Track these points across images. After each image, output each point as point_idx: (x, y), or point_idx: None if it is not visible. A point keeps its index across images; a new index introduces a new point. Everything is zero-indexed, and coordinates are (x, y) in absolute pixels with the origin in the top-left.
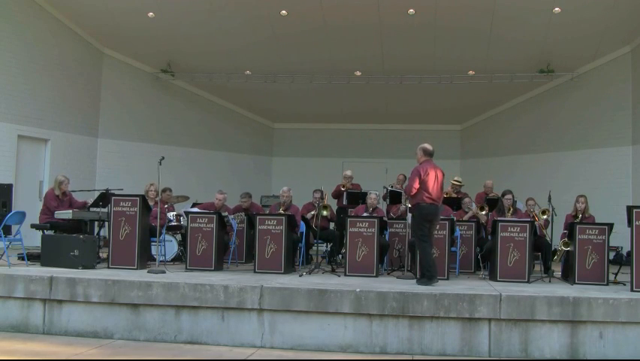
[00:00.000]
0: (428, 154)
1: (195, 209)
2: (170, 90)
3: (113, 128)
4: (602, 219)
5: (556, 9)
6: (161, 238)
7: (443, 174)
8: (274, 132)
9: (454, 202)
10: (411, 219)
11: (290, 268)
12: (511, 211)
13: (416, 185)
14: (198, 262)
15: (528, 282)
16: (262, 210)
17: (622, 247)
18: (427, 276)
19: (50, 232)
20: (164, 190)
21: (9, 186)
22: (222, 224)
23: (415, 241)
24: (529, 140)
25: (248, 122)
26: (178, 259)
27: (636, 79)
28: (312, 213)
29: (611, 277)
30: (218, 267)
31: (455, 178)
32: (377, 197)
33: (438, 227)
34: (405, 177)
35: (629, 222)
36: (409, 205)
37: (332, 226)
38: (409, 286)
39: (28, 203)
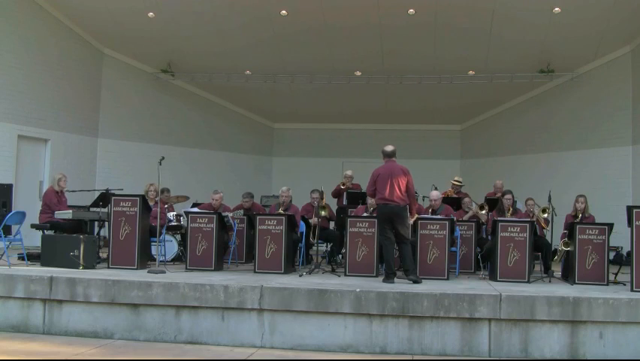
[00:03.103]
0: (386, 155)
1: (195, 209)
2: (170, 90)
3: (113, 128)
4: (602, 219)
5: (556, 9)
6: (161, 238)
7: (405, 174)
8: (274, 132)
9: (454, 202)
10: None
11: (290, 268)
12: (510, 211)
13: (369, 187)
14: (198, 262)
15: (528, 282)
16: (264, 210)
17: (622, 247)
18: (385, 274)
19: (50, 232)
20: (162, 191)
21: (9, 186)
22: (222, 224)
23: None
24: (529, 140)
25: (248, 122)
26: (178, 259)
27: (636, 79)
28: (314, 222)
29: (611, 277)
30: (218, 267)
31: (455, 178)
32: None
33: (438, 227)
34: None
35: (629, 222)
36: None
37: (332, 225)
38: (409, 286)
39: (28, 203)
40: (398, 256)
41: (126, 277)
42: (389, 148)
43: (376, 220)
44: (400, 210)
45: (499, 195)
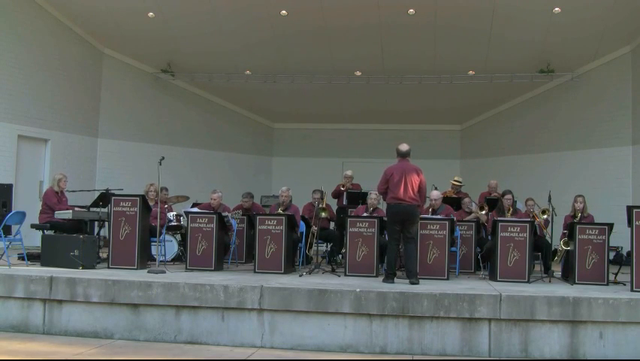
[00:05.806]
0: (400, 155)
1: (195, 209)
2: (170, 90)
3: (113, 128)
4: (602, 219)
5: (556, 9)
6: (161, 238)
7: (418, 173)
8: (274, 132)
9: (454, 202)
10: None
11: (290, 268)
12: (510, 211)
13: (380, 185)
14: (198, 262)
15: (528, 282)
16: (263, 210)
17: (622, 247)
18: (386, 274)
19: (50, 232)
20: (160, 190)
21: (9, 186)
22: (222, 224)
23: None
24: (529, 140)
25: (248, 122)
26: (178, 259)
27: (636, 79)
28: (312, 230)
29: (611, 277)
30: (218, 267)
31: (455, 178)
32: (377, 197)
33: (438, 227)
34: None
35: (629, 222)
36: None
37: (332, 225)
38: (409, 286)
39: (28, 203)
40: (398, 256)
41: (126, 277)
42: (404, 147)
43: (386, 219)
44: (412, 209)
45: (494, 194)
